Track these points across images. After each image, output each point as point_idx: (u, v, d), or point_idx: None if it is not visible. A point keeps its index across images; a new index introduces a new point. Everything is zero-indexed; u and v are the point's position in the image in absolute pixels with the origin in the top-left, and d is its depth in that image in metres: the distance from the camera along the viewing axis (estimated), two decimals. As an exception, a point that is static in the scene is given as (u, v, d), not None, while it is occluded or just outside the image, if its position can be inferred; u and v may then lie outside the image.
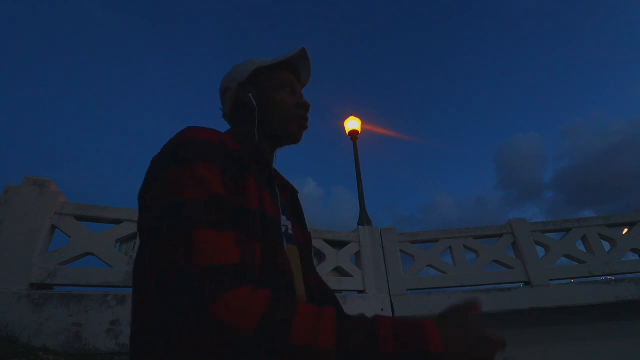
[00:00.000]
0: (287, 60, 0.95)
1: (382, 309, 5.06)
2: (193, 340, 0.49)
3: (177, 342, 0.51)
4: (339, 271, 5.35)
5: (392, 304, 5.08)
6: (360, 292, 5.21)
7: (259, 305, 0.52)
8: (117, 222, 4.54)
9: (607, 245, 5.61)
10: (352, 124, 8.00)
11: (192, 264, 0.53)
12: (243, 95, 0.92)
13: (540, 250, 5.58)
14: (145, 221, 0.62)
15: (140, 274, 0.62)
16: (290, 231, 0.82)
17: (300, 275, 0.79)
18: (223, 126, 0.93)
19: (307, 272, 0.82)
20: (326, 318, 0.54)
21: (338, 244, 5.47)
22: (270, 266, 0.64)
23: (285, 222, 0.81)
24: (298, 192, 0.96)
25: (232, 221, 0.61)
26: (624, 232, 5.80)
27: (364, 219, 6.06)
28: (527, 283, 5.27)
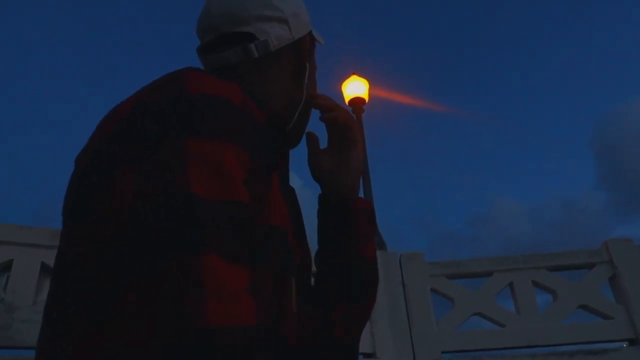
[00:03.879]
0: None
1: (404, 384, 3.73)
2: None
3: None
4: (334, 324, 3.79)
5: (418, 375, 3.71)
6: (367, 355, 3.80)
7: None
8: None
9: None
10: (355, 87, 6.58)
11: (205, 318, 0.40)
12: (301, 56, 0.76)
13: (656, 290, 4.13)
14: (110, 204, 0.47)
15: (81, 295, 0.47)
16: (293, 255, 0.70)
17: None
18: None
19: (301, 314, 0.67)
20: None
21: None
22: (275, 322, 0.55)
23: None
24: (295, 191, 0.79)
25: (248, 248, 0.47)
26: None
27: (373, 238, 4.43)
28: (633, 341, 3.98)
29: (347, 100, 6.67)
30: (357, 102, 6.66)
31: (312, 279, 0.80)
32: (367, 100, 6.74)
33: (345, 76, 6.83)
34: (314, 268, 0.79)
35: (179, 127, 0.47)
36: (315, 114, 0.82)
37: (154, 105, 0.51)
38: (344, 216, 0.79)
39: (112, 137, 0.51)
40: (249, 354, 0.41)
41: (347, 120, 0.77)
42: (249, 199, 0.48)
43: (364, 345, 3.80)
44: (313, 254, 0.81)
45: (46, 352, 0.48)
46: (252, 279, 0.45)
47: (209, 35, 0.74)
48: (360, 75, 6.80)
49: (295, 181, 0.79)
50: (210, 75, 0.57)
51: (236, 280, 0.43)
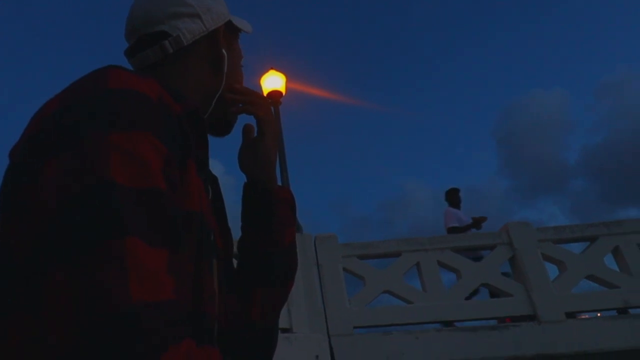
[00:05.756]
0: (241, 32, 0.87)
1: (317, 356, 4.04)
2: None
3: None
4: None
5: (331, 348, 4.10)
6: (284, 330, 4.10)
7: None
8: None
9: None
10: (273, 81, 6.86)
11: (127, 296, 0.41)
12: (216, 47, 0.76)
13: (552, 270, 4.59)
14: (40, 193, 0.47)
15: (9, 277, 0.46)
16: (212, 238, 0.69)
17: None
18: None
19: (222, 295, 0.72)
20: None
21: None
22: (195, 300, 0.56)
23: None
24: (218, 179, 0.83)
25: (167, 232, 0.48)
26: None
27: (292, 222, 4.72)
28: (531, 317, 4.39)
29: (265, 93, 6.77)
30: (274, 95, 6.79)
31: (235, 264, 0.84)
32: (284, 94, 6.93)
33: (264, 70, 7.00)
34: (235, 253, 0.83)
35: (99, 121, 0.49)
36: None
37: (76, 101, 0.53)
38: (266, 205, 0.80)
39: (40, 131, 0.52)
40: (170, 328, 0.42)
41: (257, 113, 0.78)
42: (166, 185, 0.50)
43: (282, 321, 3.96)
44: (236, 240, 0.83)
45: None
46: (171, 261, 0.47)
47: (132, 38, 0.76)
48: (277, 70, 7.01)
49: (215, 168, 0.83)
50: (129, 72, 0.58)
51: (156, 262, 0.45)
